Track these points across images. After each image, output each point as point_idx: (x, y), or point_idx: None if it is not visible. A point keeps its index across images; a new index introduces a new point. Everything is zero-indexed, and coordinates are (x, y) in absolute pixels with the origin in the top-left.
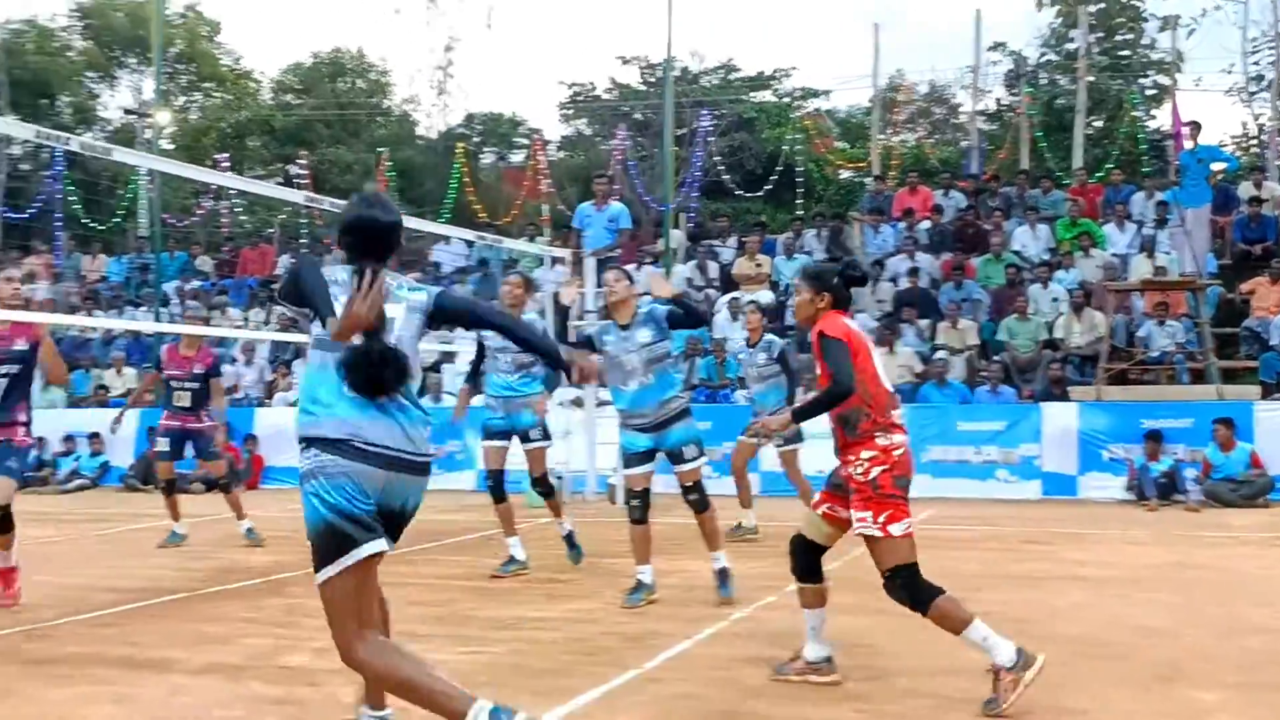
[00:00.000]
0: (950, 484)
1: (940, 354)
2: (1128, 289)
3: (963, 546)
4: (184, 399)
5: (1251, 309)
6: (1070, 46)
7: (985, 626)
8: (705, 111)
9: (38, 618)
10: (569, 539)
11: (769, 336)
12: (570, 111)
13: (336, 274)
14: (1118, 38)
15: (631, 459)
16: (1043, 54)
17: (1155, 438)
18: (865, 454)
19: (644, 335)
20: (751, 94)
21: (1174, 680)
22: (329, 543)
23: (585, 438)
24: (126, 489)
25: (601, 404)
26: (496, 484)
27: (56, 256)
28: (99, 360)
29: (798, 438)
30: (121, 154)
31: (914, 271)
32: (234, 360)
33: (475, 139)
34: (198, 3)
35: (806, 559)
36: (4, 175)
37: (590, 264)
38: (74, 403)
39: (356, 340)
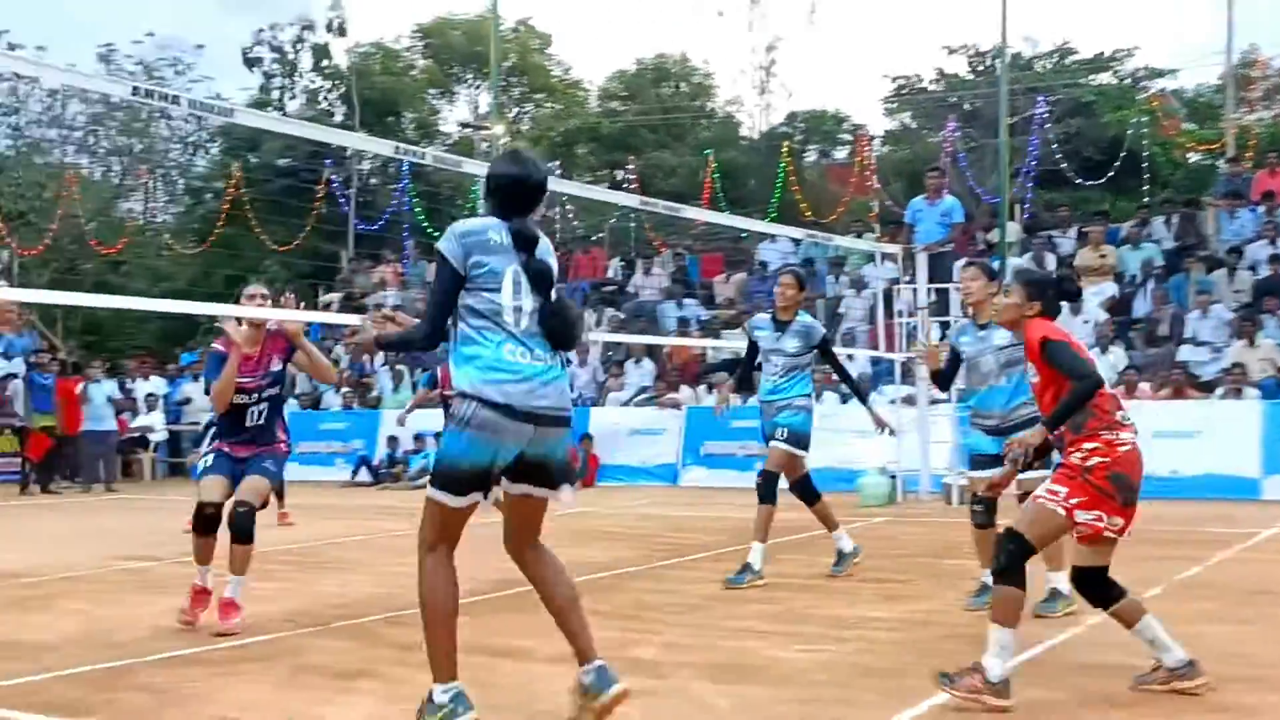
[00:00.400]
0: None
1: None
2: None
3: None
4: None
5: None
6: None
7: (1012, 640)
8: (1040, 98)
9: (395, 604)
10: (745, 570)
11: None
12: (894, 105)
13: (490, 232)
14: None
15: (977, 462)
16: None
17: None
18: (1088, 445)
19: (1001, 337)
20: (1090, 77)
21: None
22: (452, 478)
23: (918, 436)
24: None
25: (934, 402)
26: (764, 483)
27: (404, 265)
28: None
29: None
30: (471, 165)
31: (1275, 259)
32: (567, 362)
33: (798, 137)
34: (530, 17)
35: (1094, 590)
36: (355, 189)
37: (921, 259)
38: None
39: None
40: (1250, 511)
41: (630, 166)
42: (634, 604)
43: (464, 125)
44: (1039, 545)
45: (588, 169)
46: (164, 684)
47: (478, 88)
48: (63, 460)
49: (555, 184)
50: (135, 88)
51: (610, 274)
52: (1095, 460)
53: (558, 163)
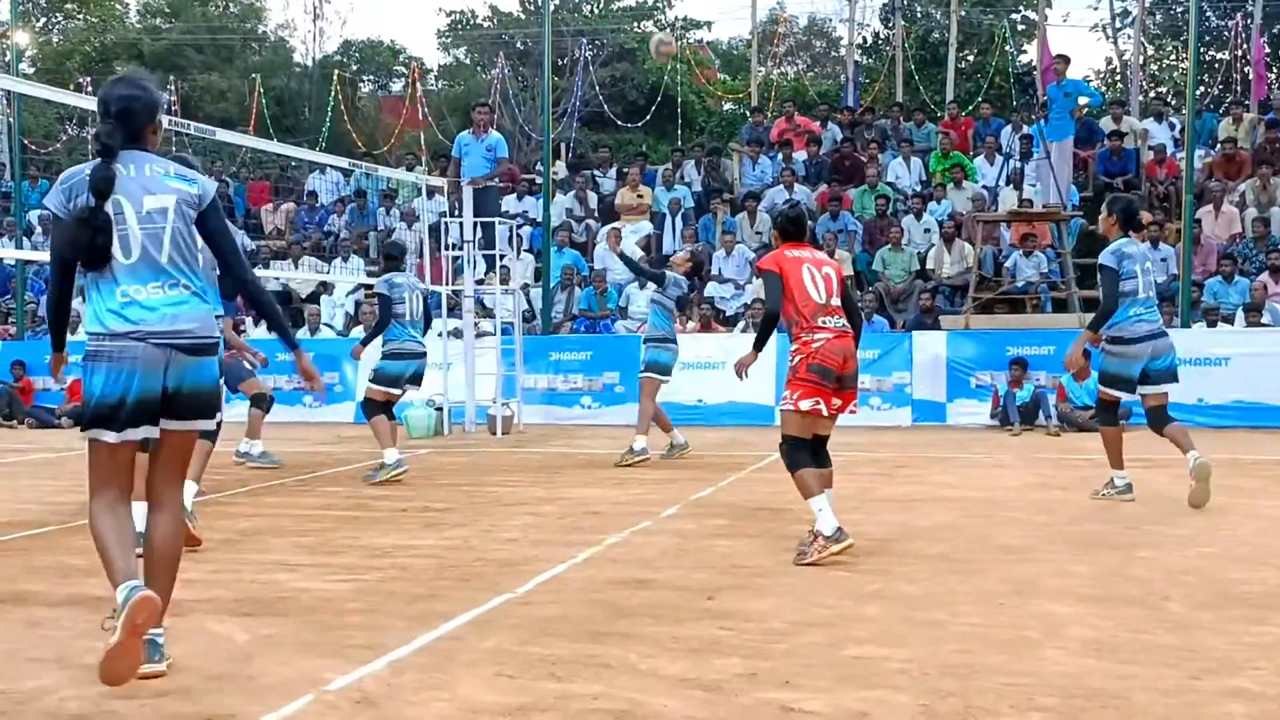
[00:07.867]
0: None
1: None
2: (995, 220)
3: (837, 470)
4: None
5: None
6: None
7: (826, 502)
8: (586, 41)
9: None
10: None
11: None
12: (449, 40)
13: (82, 169)
14: None
15: None
16: None
17: (1020, 365)
18: (792, 348)
19: None
20: (634, 24)
21: (1029, 594)
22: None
23: (465, 369)
24: None
25: (481, 335)
26: None
27: None
28: None
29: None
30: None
31: (790, 204)
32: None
33: (353, 67)
34: None
35: (804, 453)
36: None
37: (467, 193)
38: None
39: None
40: (768, 436)
41: (170, 87)
42: None
43: None
44: (801, 435)
45: None
46: None
47: None
48: None
49: (84, 100)
50: None
51: None
52: (797, 359)
53: (89, 79)
